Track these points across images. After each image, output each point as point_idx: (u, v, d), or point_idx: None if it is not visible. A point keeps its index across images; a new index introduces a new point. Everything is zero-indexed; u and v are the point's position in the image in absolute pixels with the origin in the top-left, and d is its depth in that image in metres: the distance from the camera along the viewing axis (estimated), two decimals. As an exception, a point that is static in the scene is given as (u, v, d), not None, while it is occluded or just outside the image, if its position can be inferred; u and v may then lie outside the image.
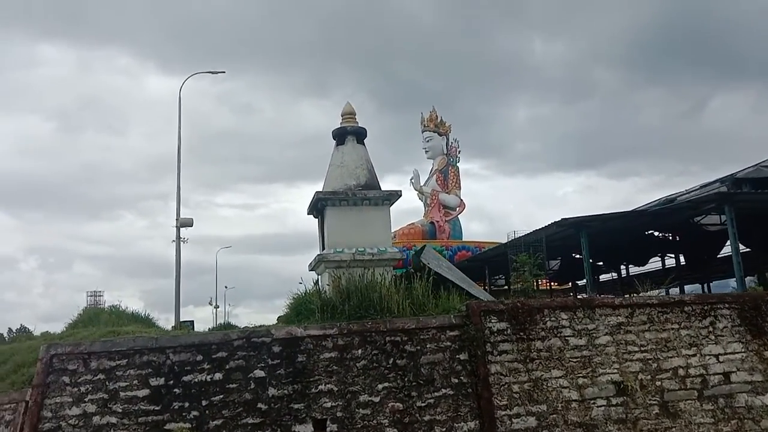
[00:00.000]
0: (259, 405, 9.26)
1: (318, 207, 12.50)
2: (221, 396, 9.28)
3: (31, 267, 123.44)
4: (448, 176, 43.21)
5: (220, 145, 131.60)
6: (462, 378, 9.72)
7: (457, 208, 42.90)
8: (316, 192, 12.10)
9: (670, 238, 29.96)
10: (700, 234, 25.90)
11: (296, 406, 9.30)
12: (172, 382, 9.32)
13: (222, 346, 9.57)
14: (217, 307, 56.40)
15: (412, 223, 42.04)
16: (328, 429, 9.22)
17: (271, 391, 9.34)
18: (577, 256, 31.02)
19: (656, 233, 29.41)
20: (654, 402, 9.93)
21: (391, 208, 12.36)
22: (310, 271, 13.42)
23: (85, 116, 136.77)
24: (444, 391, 9.61)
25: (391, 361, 9.70)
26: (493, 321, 10.07)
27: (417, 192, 43.81)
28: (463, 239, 41.17)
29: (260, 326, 10.06)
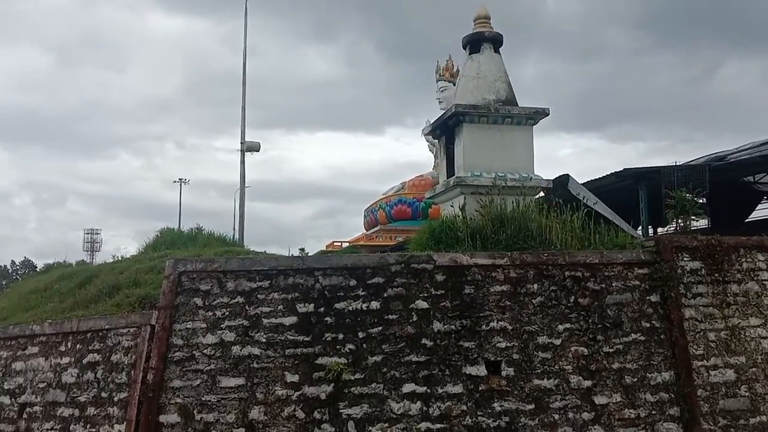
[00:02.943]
0: (424, 341, 7.89)
1: (449, 124, 10.92)
2: (380, 328, 7.90)
3: (24, 202, 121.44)
4: None
5: (220, 88, 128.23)
6: (654, 322, 8.35)
7: None
8: (455, 104, 10.49)
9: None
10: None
11: (466, 345, 7.94)
12: (322, 309, 7.92)
13: (378, 271, 8.14)
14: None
15: (421, 175, 40.45)
16: (503, 372, 7.90)
17: (437, 326, 7.96)
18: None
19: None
20: None
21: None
22: (427, 199, 11.93)
23: (85, 51, 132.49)
24: (634, 336, 8.25)
25: (572, 300, 8.31)
26: (686, 259, 8.66)
27: (428, 143, 42.14)
28: (474, 193, 39.65)
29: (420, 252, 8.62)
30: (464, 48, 11.65)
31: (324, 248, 42.97)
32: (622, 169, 20.22)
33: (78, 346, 8.47)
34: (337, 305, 7.96)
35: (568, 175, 11.60)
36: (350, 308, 7.95)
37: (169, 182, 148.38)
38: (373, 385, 7.68)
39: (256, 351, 7.72)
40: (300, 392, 7.59)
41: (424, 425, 7.60)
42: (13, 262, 67.91)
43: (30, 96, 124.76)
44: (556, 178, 10.89)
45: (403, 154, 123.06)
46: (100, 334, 8.27)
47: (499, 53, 11.43)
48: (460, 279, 8.22)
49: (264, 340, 7.76)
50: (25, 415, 8.66)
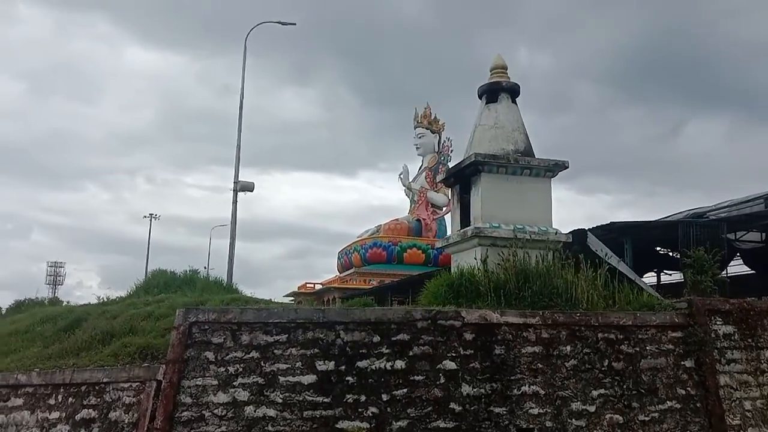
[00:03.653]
0: (452, 405, 7.35)
1: (465, 173, 10.57)
2: (405, 390, 7.34)
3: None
4: (437, 174, 41.62)
5: (194, 124, 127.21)
6: (689, 389, 7.96)
7: (445, 208, 41.36)
8: (474, 153, 10.15)
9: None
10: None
11: (497, 410, 7.42)
12: (343, 367, 7.35)
13: (403, 327, 7.62)
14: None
15: (397, 219, 40.47)
16: (535, 441, 7.38)
17: (466, 389, 7.44)
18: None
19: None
20: None
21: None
22: (439, 248, 11.49)
23: (57, 81, 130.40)
24: (669, 403, 7.84)
25: (605, 363, 7.89)
26: (719, 323, 8.34)
27: (405, 188, 42.26)
28: (449, 240, 39.61)
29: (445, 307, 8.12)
30: (480, 97, 11.41)
31: (296, 289, 42.21)
32: (608, 222, 20.26)
33: (70, 399, 7.70)
34: (360, 363, 7.39)
35: (585, 230, 11.31)
36: (373, 367, 7.39)
37: (136, 216, 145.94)
38: (397, 454, 7.08)
39: (271, 412, 7.07)
40: (319, 459, 6.95)
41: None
42: (-25, 295, 65.09)
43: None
44: (573, 232, 10.56)
45: (376, 197, 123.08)
46: (97, 387, 7.53)
47: (516, 104, 11.22)
48: (490, 338, 7.74)
49: (280, 401, 7.12)
50: (4, 476, 7.80)
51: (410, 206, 41.87)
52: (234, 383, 7.16)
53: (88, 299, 27.03)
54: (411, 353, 7.52)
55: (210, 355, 7.26)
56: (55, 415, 7.72)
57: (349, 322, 7.57)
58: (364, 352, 7.45)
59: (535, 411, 7.50)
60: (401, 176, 42.09)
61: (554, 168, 10.59)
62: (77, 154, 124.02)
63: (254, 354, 7.31)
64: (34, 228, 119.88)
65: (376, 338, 7.54)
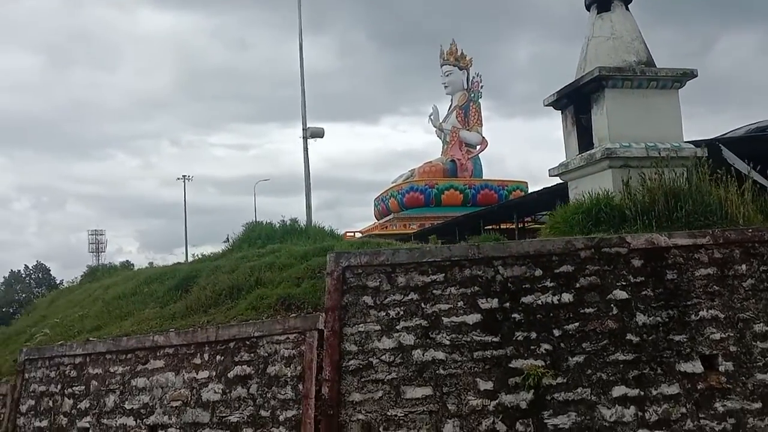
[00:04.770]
0: (629, 336, 6.82)
1: (583, 91, 9.79)
2: (576, 324, 6.83)
3: (23, 206, 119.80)
4: (469, 112, 40.32)
5: (213, 83, 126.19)
6: None
7: (479, 146, 40.24)
8: (598, 67, 9.34)
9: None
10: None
11: (677, 338, 6.88)
12: (508, 304, 6.85)
13: (565, 258, 7.06)
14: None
15: (430, 161, 39.49)
16: (720, 368, 6.83)
17: (641, 318, 6.89)
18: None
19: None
20: None
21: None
22: (553, 176, 10.84)
23: (75, 51, 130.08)
24: None
25: (786, 280, 7.26)
26: None
27: (436, 129, 41.09)
28: (484, 178, 38.68)
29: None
30: (588, 8, 10.51)
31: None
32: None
33: (218, 357, 7.37)
34: (524, 299, 6.88)
35: (718, 142, 10.51)
36: (539, 302, 6.88)
37: (165, 180, 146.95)
38: (578, 390, 6.62)
39: (440, 355, 6.64)
40: (497, 401, 6.53)
41: (640, 433, 6.56)
42: (26, 267, 66.50)
43: (20, 98, 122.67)
44: (706, 145, 9.77)
45: (400, 142, 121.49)
46: (248, 342, 7.17)
47: (630, 11, 10.30)
48: (659, 263, 7.15)
49: (448, 343, 6.68)
50: (157, 439, 7.59)
51: (443, 147, 40.87)
52: (397, 327, 6.73)
53: (139, 263, 27.14)
54: (577, 285, 6.97)
55: (368, 299, 6.82)
56: (203, 374, 7.42)
57: (506, 257, 7.03)
58: (527, 287, 6.93)
59: (717, 336, 6.93)
60: (431, 117, 41.06)
61: (681, 78, 9.76)
62: (101, 123, 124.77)
63: (413, 296, 6.85)
64: (68, 199, 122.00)
65: (538, 272, 7.00)
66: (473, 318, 6.79)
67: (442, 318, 6.78)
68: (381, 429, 6.42)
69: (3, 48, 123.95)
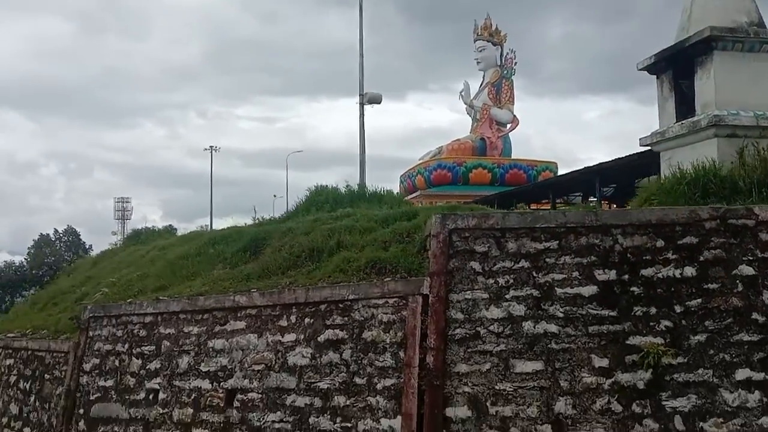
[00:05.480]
0: (755, 315, 6.28)
1: (688, 54, 9.14)
2: (699, 300, 6.30)
3: (51, 172, 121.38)
4: (501, 89, 39.24)
5: (241, 55, 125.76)
6: None
7: (509, 125, 39.29)
8: (710, 27, 8.68)
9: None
10: None
11: (807, 320, 6.33)
12: (627, 276, 6.34)
13: (689, 229, 6.51)
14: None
15: (458, 139, 38.58)
16: None
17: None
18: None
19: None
20: None
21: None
22: (644, 146, 10.23)
23: (107, 19, 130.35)
24: None
25: None
26: None
27: (466, 105, 40.15)
28: (513, 157, 37.81)
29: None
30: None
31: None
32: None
33: (307, 320, 6.97)
34: (644, 271, 6.36)
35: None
36: (660, 275, 6.35)
37: (192, 151, 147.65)
38: (699, 371, 6.11)
39: (552, 328, 6.17)
40: (612, 380, 6.05)
41: (765, 420, 6.05)
42: (56, 230, 67.19)
43: (51, 65, 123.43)
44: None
45: (425, 119, 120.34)
46: (341, 306, 6.75)
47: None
48: (790, 238, 6.57)
49: (561, 315, 6.21)
50: (236, 403, 7.24)
51: (472, 124, 39.97)
52: (506, 296, 6.27)
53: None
54: (701, 258, 6.42)
55: (476, 265, 6.35)
56: (290, 337, 7.03)
57: (626, 225, 6.50)
58: (647, 259, 6.40)
59: None
60: (462, 93, 40.15)
61: (796, 42, 9.04)
62: (130, 91, 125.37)
63: (524, 263, 6.36)
64: (95, 166, 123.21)
65: (660, 242, 6.46)
66: (589, 290, 6.29)
67: (556, 288, 6.29)
68: (488, 404, 5.99)
69: (35, 14, 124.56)
